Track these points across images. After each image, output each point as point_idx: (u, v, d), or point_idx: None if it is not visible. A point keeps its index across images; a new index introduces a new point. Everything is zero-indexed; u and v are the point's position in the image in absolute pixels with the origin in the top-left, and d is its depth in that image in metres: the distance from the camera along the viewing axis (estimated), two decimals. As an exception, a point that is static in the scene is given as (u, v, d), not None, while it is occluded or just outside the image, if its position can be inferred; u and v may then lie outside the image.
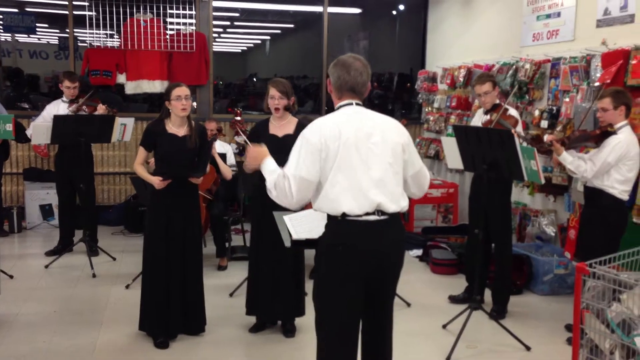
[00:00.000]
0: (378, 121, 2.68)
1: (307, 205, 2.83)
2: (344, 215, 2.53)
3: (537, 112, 5.55)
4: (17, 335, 4.14)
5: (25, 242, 6.67)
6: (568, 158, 4.04)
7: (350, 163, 2.54)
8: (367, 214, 2.54)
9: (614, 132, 3.91)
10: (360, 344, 2.75)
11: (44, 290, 5.05)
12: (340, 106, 2.71)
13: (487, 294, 4.80)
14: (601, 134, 3.93)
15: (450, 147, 4.46)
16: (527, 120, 5.71)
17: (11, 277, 5.21)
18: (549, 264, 5.11)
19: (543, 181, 4.00)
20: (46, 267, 5.65)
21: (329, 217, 2.59)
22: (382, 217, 2.56)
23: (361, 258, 2.56)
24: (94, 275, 5.39)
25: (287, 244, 2.90)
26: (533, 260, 5.18)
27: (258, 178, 4.06)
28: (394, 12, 9.37)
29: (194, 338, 4.13)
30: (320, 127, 2.59)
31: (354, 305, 2.60)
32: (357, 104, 2.70)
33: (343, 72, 2.66)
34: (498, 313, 4.55)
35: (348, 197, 2.53)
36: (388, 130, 2.66)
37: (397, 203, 2.60)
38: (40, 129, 5.57)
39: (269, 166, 2.65)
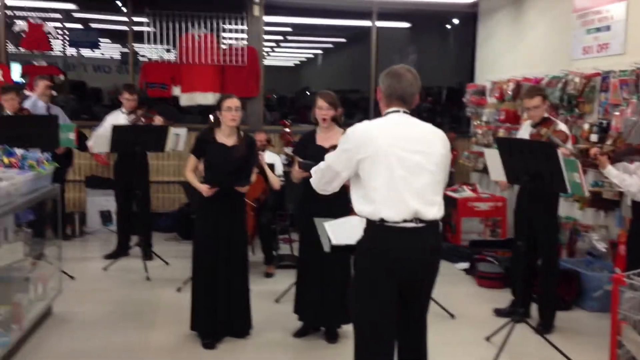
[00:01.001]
0: (423, 130, 2.76)
1: (351, 212, 2.94)
2: (382, 220, 2.62)
3: (586, 126, 5.50)
4: (77, 332, 4.39)
5: (85, 246, 7.01)
6: (613, 172, 4.01)
7: (391, 170, 2.63)
8: (405, 220, 2.62)
9: (661, 146, 3.87)
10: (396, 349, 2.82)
11: (102, 292, 5.32)
12: (388, 112, 2.80)
13: (536, 309, 4.77)
14: (648, 148, 3.89)
15: (493, 159, 4.48)
16: (576, 134, 5.65)
17: (72, 278, 5.49)
18: (599, 279, 5.02)
19: (587, 193, 3.99)
20: (104, 269, 5.94)
21: (368, 221, 2.68)
22: (419, 225, 2.63)
23: (397, 262, 2.64)
24: (148, 279, 5.63)
25: (327, 249, 2.99)
26: (582, 275, 5.11)
27: (304, 187, 4.23)
28: (444, 27, 9.41)
29: (239, 340, 4.28)
30: (359, 134, 2.71)
31: (389, 307, 2.67)
32: (404, 111, 2.78)
33: (394, 81, 2.77)
34: (544, 328, 4.50)
35: (387, 204, 2.62)
36: (433, 140, 2.74)
37: (434, 211, 2.67)
38: (100, 138, 5.89)
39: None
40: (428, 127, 2.79)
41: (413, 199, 2.62)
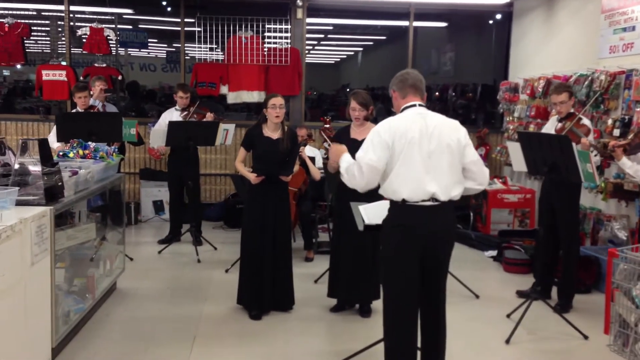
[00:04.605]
0: (438, 122, 3.16)
1: (381, 197, 3.37)
2: (403, 201, 3.07)
3: (610, 121, 5.79)
4: (139, 304, 4.96)
5: (140, 232, 7.63)
6: (627, 163, 4.33)
7: (412, 158, 3.06)
8: (423, 200, 3.05)
9: (671, 139, 4.18)
10: (419, 315, 3.25)
11: (158, 271, 5.90)
12: (405, 107, 3.20)
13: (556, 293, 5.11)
14: (659, 141, 4.20)
15: (516, 152, 4.85)
16: (601, 129, 5.95)
17: (131, 259, 6.08)
18: (618, 266, 5.33)
19: (598, 182, 4.33)
20: (159, 252, 6.53)
21: (391, 202, 3.14)
22: (436, 203, 3.07)
23: (417, 236, 3.08)
24: (198, 261, 6.19)
25: (360, 228, 3.48)
26: (602, 261, 5.41)
27: (339, 178, 4.68)
28: (479, 26, 9.70)
29: (283, 314, 4.78)
30: (391, 126, 3.12)
31: (411, 274, 3.11)
32: (419, 105, 3.20)
33: (404, 75, 3.27)
34: (562, 307, 4.86)
35: (408, 187, 3.06)
36: (446, 129, 3.14)
37: (449, 193, 3.10)
38: (157, 133, 6.45)
39: (345, 158, 3.27)
40: (442, 118, 3.20)
41: (430, 183, 3.05)
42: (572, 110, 5.12)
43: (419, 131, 3.08)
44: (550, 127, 5.25)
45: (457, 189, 3.14)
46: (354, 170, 3.12)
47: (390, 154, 3.09)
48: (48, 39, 8.70)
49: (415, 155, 3.06)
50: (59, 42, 8.46)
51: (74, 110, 6.53)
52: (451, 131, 3.15)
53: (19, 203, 3.46)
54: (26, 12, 8.57)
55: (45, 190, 3.57)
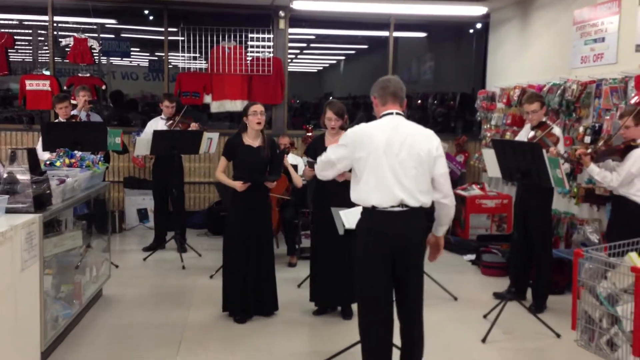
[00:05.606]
0: (410, 131, 3.26)
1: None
2: (373, 207, 3.21)
3: (581, 129, 6.01)
4: (124, 310, 5.05)
5: (125, 240, 7.69)
6: (595, 169, 4.53)
7: (380, 166, 3.19)
8: (392, 206, 3.18)
9: (636, 146, 4.37)
10: (396, 316, 3.39)
11: (144, 278, 5.99)
12: (383, 115, 3.32)
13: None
14: (625, 148, 4.40)
15: (490, 158, 5.03)
16: (572, 136, 6.17)
17: (117, 266, 6.15)
18: (590, 268, 5.52)
19: (568, 187, 4.52)
20: (144, 260, 6.61)
21: (363, 208, 3.28)
22: (405, 209, 3.19)
23: (388, 239, 3.20)
24: (183, 268, 6.29)
25: (341, 232, 3.63)
26: (575, 264, 5.61)
27: (316, 184, 4.84)
28: (458, 36, 9.94)
29: (266, 318, 4.89)
30: (356, 132, 3.27)
31: (383, 277, 3.25)
32: (397, 113, 3.30)
33: (385, 83, 3.35)
34: (536, 308, 5.05)
35: (377, 193, 3.19)
36: (417, 139, 3.24)
37: (417, 199, 3.20)
38: (142, 142, 6.55)
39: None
40: (417, 128, 3.30)
41: (399, 191, 3.17)
42: (544, 119, 5.31)
43: (385, 140, 3.18)
44: (524, 135, 5.45)
45: (426, 197, 3.24)
46: (321, 158, 3.47)
47: (357, 161, 3.23)
48: (31, 48, 8.75)
49: (383, 163, 3.18)
50: (42, 52, 8.52)
51: (56, 120, 6.60)
52: (423, 141, 3.24)
53: (9, 211, 3.56)
54: (9, 22, 8.62)
55: (34, 198, 3.66)
